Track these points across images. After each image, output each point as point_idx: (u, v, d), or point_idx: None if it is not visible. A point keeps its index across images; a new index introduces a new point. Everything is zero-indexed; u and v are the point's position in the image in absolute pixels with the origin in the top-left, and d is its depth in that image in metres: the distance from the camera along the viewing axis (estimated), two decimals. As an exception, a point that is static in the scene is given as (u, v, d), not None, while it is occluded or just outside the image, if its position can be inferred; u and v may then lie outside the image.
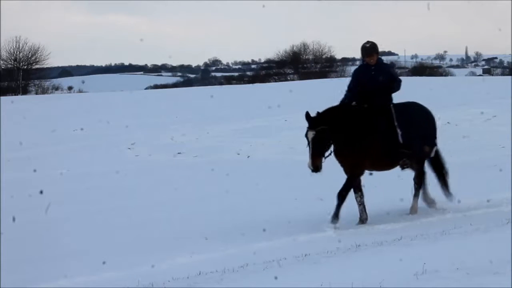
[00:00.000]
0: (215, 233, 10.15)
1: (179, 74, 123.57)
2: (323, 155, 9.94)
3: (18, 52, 69.89)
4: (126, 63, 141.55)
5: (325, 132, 9.84)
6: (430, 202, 10.79)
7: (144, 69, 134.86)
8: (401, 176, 11.03)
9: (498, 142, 18.42)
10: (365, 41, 10.61)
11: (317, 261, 7.83)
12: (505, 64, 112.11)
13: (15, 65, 69.78)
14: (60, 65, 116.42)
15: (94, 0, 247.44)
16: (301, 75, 74.55)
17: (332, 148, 10.08)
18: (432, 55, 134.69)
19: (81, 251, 9.74)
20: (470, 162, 15.97)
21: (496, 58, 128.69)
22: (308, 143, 9.89)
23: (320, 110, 9.94)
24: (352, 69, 11.42)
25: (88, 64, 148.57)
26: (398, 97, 10.82)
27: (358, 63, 11.27)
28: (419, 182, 10.77)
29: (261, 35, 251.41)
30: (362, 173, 10.27)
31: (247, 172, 17.03)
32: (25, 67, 70.22)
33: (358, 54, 10.76)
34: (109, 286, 7.83)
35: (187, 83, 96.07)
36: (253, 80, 74.22)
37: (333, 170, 10.31)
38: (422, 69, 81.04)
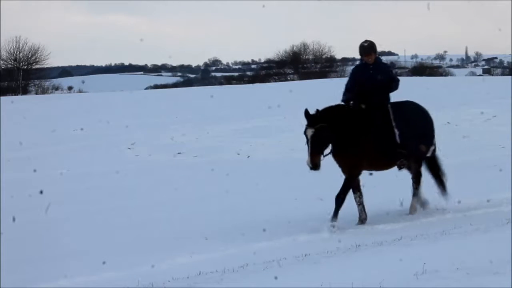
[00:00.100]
0: (215, 233, 10.15)
1: (179, 74, 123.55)
2: (322, 153, 9.93)
3: (18, 52, 69.94)
4: (126, 63, 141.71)
5: (324, 130, 9.82)
6: (422, 203, 10.76)
7: (144, 69, 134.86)
8: (399, 176, 11.02)
9: (498, 142, 18.43)
10: (363, 40, 10.61)
11: (317, 261, 7.83)
12: (505, 64, 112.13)
13: (15, 65, 69.76)
14: (60, 65, 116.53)
15: (94, 0, 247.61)
16: (301, 75, 74.54)
17: (330, 147, 10.08)
18: (432, 55, 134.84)
19: (81, 251, 9.74)
20: (470, 162, 15.98)
21: (496, 58, 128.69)
22: (307, 141, 9.88)
23: (320, 109, 9.93)
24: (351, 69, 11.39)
25: (88, 64, 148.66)
26: (398, 97, 10.82)
27: (358, 63, 11.21)
28: (418, 181, 10.77)
29: (261, 35, 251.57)
30: (359, 173, 10.25)
31: (247, 172, 17.03)
32: (25, 67, 70.20)
33: (358, 54, 10.75)
34: (109, 286, 7.83)
35: (187, 83, 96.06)
36: (253, 80, 74.20)
37: (332, 170, 10.31)
38: (422, 69, 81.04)
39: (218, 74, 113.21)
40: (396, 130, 10.28)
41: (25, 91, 68.19)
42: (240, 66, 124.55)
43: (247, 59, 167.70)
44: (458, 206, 10.69)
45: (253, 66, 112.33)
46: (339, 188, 10.09)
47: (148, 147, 22.41)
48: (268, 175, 16.26)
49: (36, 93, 67.35)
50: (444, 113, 24.34)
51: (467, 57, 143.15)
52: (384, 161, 10.37)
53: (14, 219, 10.51)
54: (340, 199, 10.01)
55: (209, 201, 13.24)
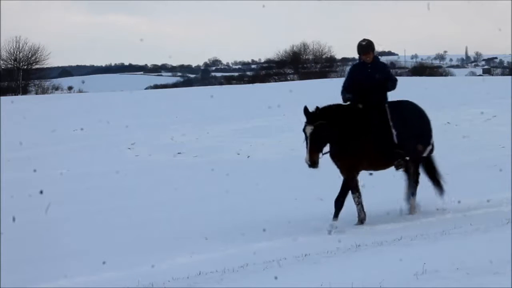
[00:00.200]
0: (215, 233, 10.15)
1: (179, 74, 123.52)
2: (321, 151, 9.91)
3: (18, 52, 69.92)
4: (126, 63, 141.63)
5: (323, 127, 9.80)
6: (414, 209, 10.69)
7: (144, 69, 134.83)
8: (397, 176, 11.01)
9: (498, 142, 18.42)
10: (361, 39, 10.60)
11: (317, 261, 7.83)
12: (505, 64, 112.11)
13: (15, 65, 69.75)
14: (60, 65, 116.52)
15: (94, 0, 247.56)
16: (301, 75, 74.55)
17: (328, 147, 10.06)
18: (432, 55, 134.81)
19: (81, 251, 9.74)
20: (470, 162, 15.99)
21: (496, 58, 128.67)
22: (306, 138, 9.86)
23: (320, 106, 9.92)
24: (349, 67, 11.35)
25: (88, 64, 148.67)
26: (398, 97, 10.82)
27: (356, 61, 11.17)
28: (416, 181, 10.76)
29: (261, 35, 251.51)
30: (358, 174, 10.21)
31: (247, 172, 17.03)
32: (25, 67, 70.19)
33: (357, 54, 10.72)
34: (109, 286, 7.84)
35: (187, 83, 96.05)
36: (253, 80, 74.20)
37: (332, 170, 10.31)
38: (422, 69, 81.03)
39: (218, 74, 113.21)
40: (393, 130, 10.26)
41: (25, 91, 68.19)
42: (240, 66, 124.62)
43: (247, 59, 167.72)
44: (458, 206, 10.69)
45: (253, 66, 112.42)
46: (338, 189, 10.09)
47: (148, 147, 22.40)
48: (268, 175, 16.26)
49: (36, 93, 67.35)
50: (444, 113, 24.34)
51: (467, 57, 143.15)
52: (382, 161, 10.36)
53: (14, 219, 10.51)
54: (339, 202, 10.00)
55: (209, 201, 13.24)
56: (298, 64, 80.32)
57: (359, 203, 10.19)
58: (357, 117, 10.18)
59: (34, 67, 71.12)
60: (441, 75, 76.06)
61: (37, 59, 70.66)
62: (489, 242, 7.97)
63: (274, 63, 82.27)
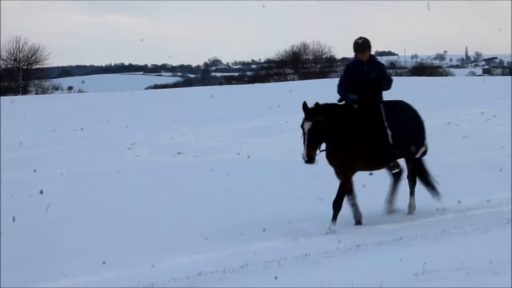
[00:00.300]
0: (215, 233, 10.15)
1: (179, 74, 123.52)
2: (318, 147, 9.89)
3: (18, 52, 69.95)
4: (126, 63, 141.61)
5: (321, 123, 9.78)
6: (390, 210, 10.69)
7: (144, 69, 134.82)
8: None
9: (498, 142, 18.42)
10: (357, 37, 10.56)
11: (317, 261, 7.82)
12: (505, 64, 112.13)
13: (15, 65, 69.77)
14: (60, 65, 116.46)
15: (94, 0, 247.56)
16: (301, 75, 74.58)
17: (324, 146, 10.04)
18: (432, 55, 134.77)
19: (81, 251, 9.74)
20: (470, 162, 15.98)
21: (496, 58, 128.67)
22: (304, 134, 9.83)
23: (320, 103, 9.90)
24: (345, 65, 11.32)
25: (88, 64, 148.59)
26: (398, 97, 10.82)
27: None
28: (413, 180, 10.75)
29: (261, 35, 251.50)
30: (353, 174, 10.16)
31: (247, 172, 17.02)
32: (25, 67, 70.21)
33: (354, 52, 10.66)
34: (109, 286, 7.84)
35: (187, 83, 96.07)
36: (253, 80, 74.23)
37: (332, 169, 10.30)
38: (422, 69, 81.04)
39: (218, 74, 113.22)
40: (388, 131, 10.23)
41: (25, 91, 68.20)
42: (240, 66, 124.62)
43: (247, 59, 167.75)
44: (458, 206, 10.68)
45: (253, 66, 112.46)
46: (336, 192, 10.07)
47: (148, 147, 22.40)
48: (268, 175, 16.25)
49: (36, 93, 67.36)
50: (444, 113, 24.36)
51: (467, 57, 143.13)
52: (377, 161, 10.31)
53: (14, 219, 10.51)
54: (337, 204, 9.97)
55: (209, 201, 13.23)
56: (298, 64, 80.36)
57: (353, 205, 10.16)
58: (353, 116, 10.14)
59: (34, 67, 71.18)
60: (441, 75, 76.09)
61: (37, 59, 70.78)
62: (489, 242, 7.97)
63: (274, 63, 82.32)
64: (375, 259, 7.66)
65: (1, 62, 70.16)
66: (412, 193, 10.72)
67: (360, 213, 10.17)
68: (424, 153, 10.79)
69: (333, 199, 9.99)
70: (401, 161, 10.82)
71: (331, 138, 9.95)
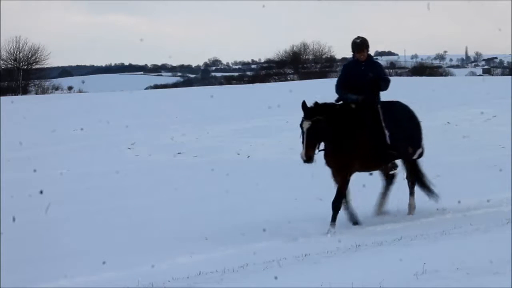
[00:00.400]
0: (215, 233, 10.15)
1: (179, 74, 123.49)
2: (317, 147, 9.87)
3: (18, 52, 69.96)
4: (126, 63, 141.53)
5: (321, 122, 9.77)
6: (380, 213, 10.68)
7: (144, 69, 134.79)
8: (397, 177, 11.00)
9: (498, 142, 18.43)
10: (355, 36, 10.55)
11: (317, 261, 7.82)
12: (505, 64, 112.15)
13: (15, 65, 69.78)
14: (60, 65, 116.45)
15: (94, 0, 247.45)
16: (301, 75, 74.60)
17: (322, 146, 10.02)
18: (432, 55, 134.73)
19: (81, 251, 9.74)
20: (470, 162, 15.98)
21: (496, 58, 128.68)
22: (303, 133, 9.82)
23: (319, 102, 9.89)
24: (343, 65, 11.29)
25: (88, 64, 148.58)
26: (399, 97, 10.81)
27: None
28: (413, 180, 10.75)
29: (261, 35, 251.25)
30: (351, 175, 10.11)
31: (247, 172, 17.02)
32: (25, 67, 70.23)
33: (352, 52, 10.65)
34: (109, 286, 7.83)
35: (187, 83, 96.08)
36: (253, 80, 74.24)
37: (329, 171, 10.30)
38: (422, 69, 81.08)
39: (218, 74, 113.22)
40: (386, 131, 10.21)
41: (25, 91, 68.21)
42: (240, 66, 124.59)
43: (247, 59, 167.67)
44: (458, 206, 10.68)
45: (253, 66, 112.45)
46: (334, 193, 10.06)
47: (148, 147, 22.40)
48: (268, 175, 16.25)
49: (36, 93, 67.37)
50: (444, 113, 24.38)
51: (467, 57, 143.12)
52: (374, 162, 10.30)
53: (14, 219, 10.51)
54: (336, 205, 9.95)
55: (209, 201, 13.23)
56: (298, 64, 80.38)
57: (346, 208, 10.14)
58: (351, 117, 10.13)
59: (34, 67, 71.20)
60: (441, 75, 76.12)
61: (37, 59, 70.79)
62: (489, 242, 7.97)
63: (274, 63, 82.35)
64: (375, 259, 7.66)
65: (1, 62, 70.29)
66: (412, 193, 10.72)
67: (355, 215, 10.14)
68: (421, 154, 10.77)
69: (332, 199, 9.99)
70: (399, 162, 10.83)
71: (330, 138, 9.94)
